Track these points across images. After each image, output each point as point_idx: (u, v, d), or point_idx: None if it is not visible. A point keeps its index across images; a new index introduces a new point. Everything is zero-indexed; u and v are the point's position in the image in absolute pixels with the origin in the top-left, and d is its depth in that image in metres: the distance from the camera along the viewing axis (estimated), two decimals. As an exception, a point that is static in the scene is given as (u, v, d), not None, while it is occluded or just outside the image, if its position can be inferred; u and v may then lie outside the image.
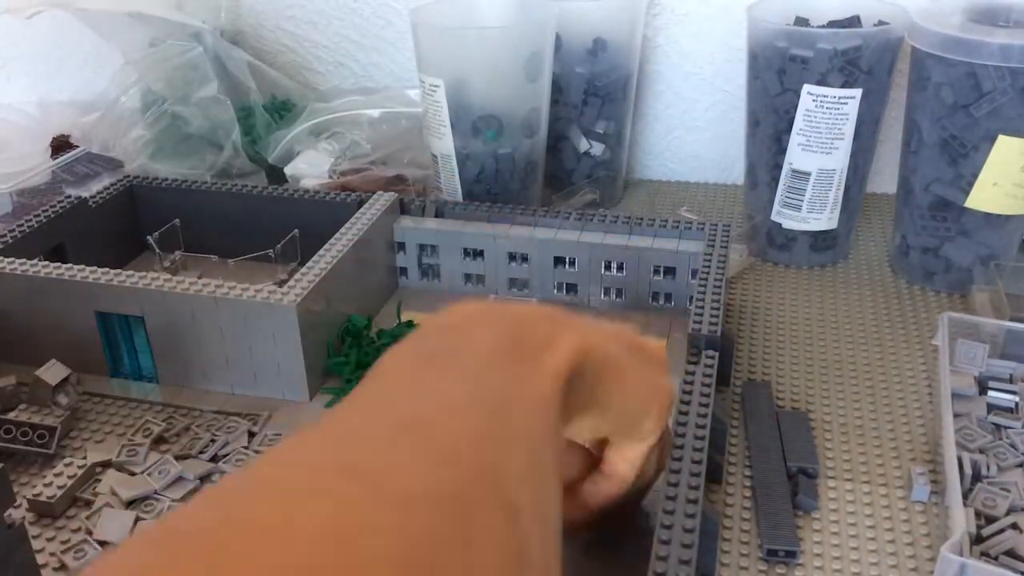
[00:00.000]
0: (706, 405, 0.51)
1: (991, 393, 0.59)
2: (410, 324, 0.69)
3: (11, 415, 0.59)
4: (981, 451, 0.54)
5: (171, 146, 0.92)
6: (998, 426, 0.56)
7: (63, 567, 0.49)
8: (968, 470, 0.51)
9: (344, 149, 0.89)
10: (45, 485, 0.53)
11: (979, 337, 0.61)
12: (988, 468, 0.52)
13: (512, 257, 0.73)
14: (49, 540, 0.51)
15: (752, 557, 0.50)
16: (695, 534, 0.42)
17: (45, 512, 0.53)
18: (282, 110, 0.97)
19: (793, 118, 0.74)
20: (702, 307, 0.59)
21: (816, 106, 0.72)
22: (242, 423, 0.59)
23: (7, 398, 0.61)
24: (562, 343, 0.36)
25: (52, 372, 0.60)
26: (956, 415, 0.56)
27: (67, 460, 0.55)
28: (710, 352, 0.56)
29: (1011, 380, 0.60)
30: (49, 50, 1.04)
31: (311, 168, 0.88)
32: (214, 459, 0.57)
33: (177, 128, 0.91)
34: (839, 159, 0.75)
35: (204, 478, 0.55)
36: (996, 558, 0.47)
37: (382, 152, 0.90)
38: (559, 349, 0.36)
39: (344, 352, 0.64)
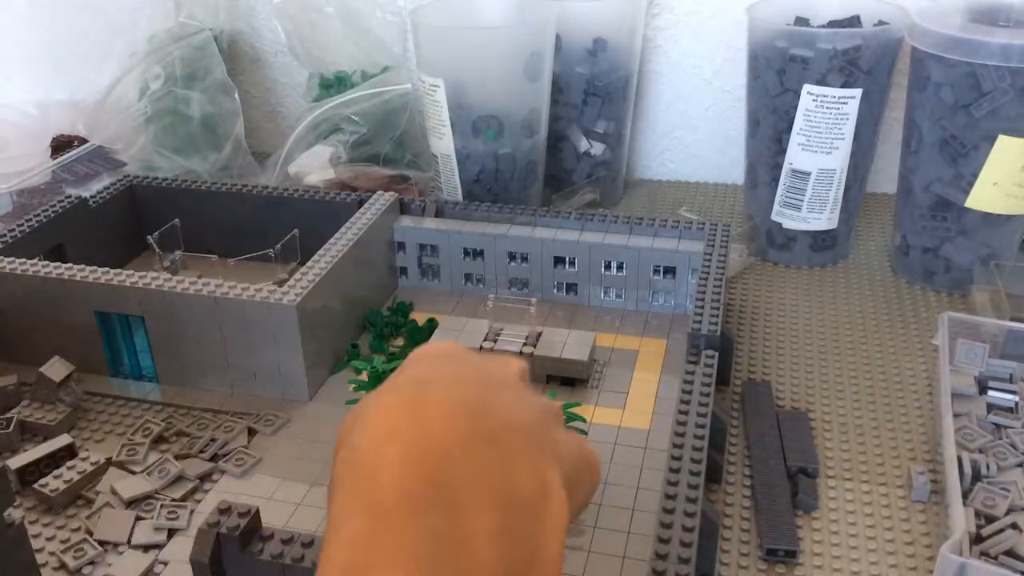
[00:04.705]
0: (706, 405, 0.51)
1: (991, 393, 0.59)
2: (431, 322, 0.69)
3: (14, 411, 0.59)
4: (981, 451, 0.54)
5: (175, 137, 0.92)
6: (998, 426, 0.56)
7: (63, 567, 0.49)
8: (968, 470, 0.51)
9: (344, 141, 0.89)
10: (55, 477, 0.54)
11: (979, 337, 0.61)
12: (988, 468, 0.52)
13: (512, 257, 0.73)
14: (49, 539, 0.51)
15: (752, 557, 0.50)
16: (695, 534, 0.42)
17: (45, 503, 0.53)
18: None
19: (793, 118, 0.74)
20: (702, 307, 0.59)
21: (816, 106, 0.72)
22: (242, 423, 0.59)
23: (9, 397, 0.61)
24: (553, 500, 0.30)
25: (55, 369, 0.60)
26: (956, 415, 0.56)
27: (82, 455, 0.55)
28: (710, 352, 0.56)
29: (1011, 380, 0.60)
30: (49, 50, 1.04)
31: (313, 161, 0.88)
32: (214, 458, 0.57)
33: (181, 115, 0.91)
34: (839, 159, 0.75)
35: (204, 478, 0.55)
36: (996, 558, 0.47)
37: (375, 127, 0.90)
38: (553, 509, 0.30)
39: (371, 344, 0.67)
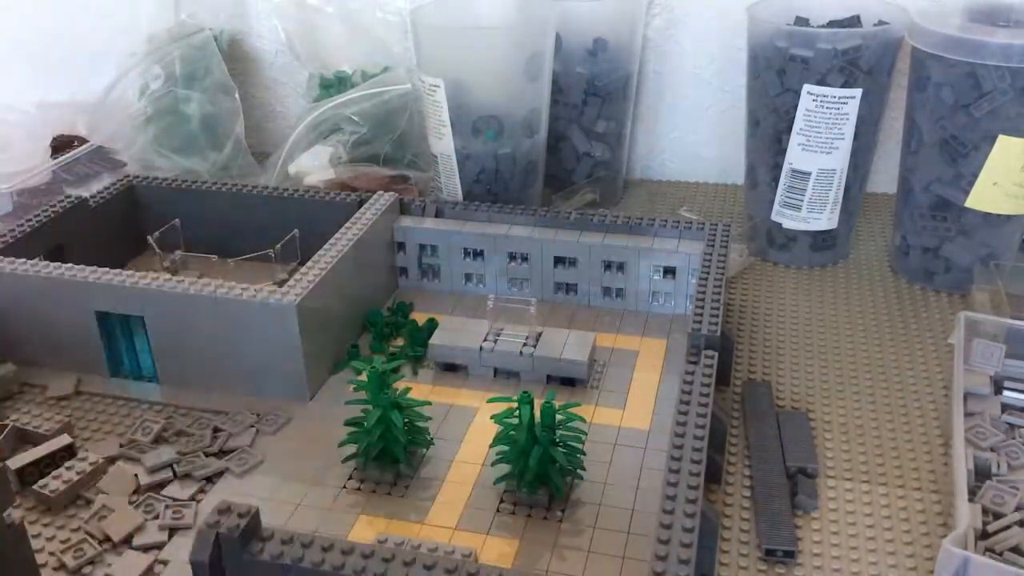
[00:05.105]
0: (706, 405, 0.51)
1: (1006, 393, 0.59)
2: (431, 322, 0.69)
3: (10, 419, 0.59)
4: (992, 449, 0.54)
5: (175, 137, 0.92)
6: (1012, 425, 0.56)
7: (63, 567, 0.49)
8: (970, 465, 0.51)
9: (344, 141, 0.89)
10: (54, 478, 0.54)
11: (991, 336, 0.61)
12: (999, 466, 0.52)
13: (512, 257, 0.73)
14: (49, 540, 0.51)
15: (751, 557, 0.50)
16: (694, 534, 0.42)
17: (44, 503, 0.53)
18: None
19: (793, 118, 0.74)
20: (702, 307, 0.59)
21: (816, 106, 0.72)
22: (242, 422, 0.59)
23: (7, 385, 0.62)
24: None
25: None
26: (969, 413, 0.56)
27: (80, 455, 0.55)
28: (710, 352, 0.56)
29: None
30: (49, 50, 1.04)
31: (313, 161, 0.88)
32: (217, 456, 0.57)
33: (181, 115, 0.91)
34: (839, 159, 0.75)
35: (205, 477, 0.55)
36: (1001, 554, 0.47)
37: (375, 127, 0.90)
38: None
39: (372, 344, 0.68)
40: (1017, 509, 0.49)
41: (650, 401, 0.61)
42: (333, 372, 0.65)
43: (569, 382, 0.63)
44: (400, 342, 0.69)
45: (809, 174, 0.75)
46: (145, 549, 0.50)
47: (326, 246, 0.66)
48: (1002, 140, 0.67)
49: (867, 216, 0.88)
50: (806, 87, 0.72)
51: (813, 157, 0.75)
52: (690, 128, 0.98)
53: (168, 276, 0.62)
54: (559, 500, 0.52)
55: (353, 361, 0.65)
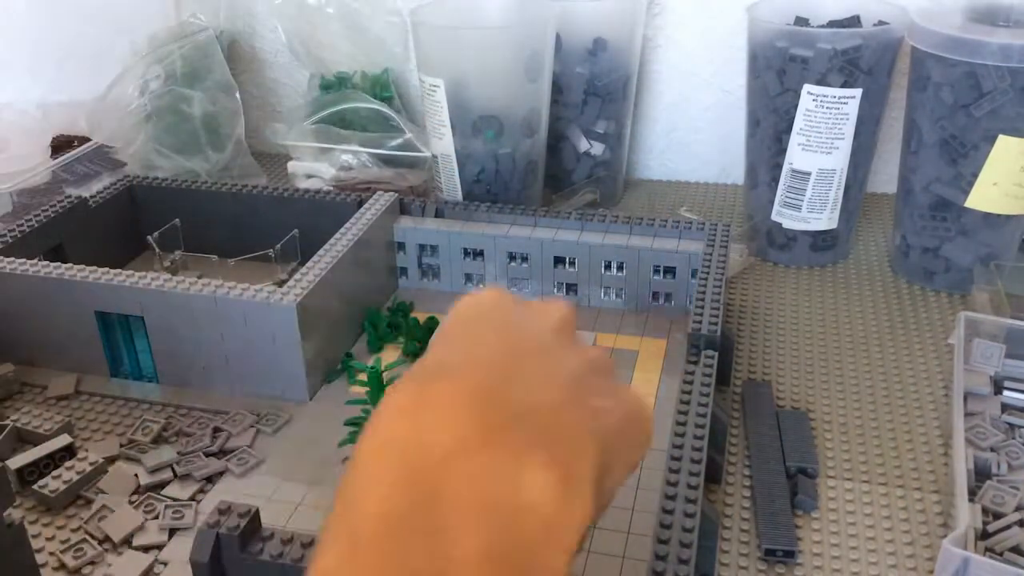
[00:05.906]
0: (706, 405, 0.51)
1: (1006, 393, 0.59)
2: (432, 320, 0.68)
3: (10, 420, 0.59)
4: (993, 449, 0.54)
5: (176, 137, 0.92)
6: (1012, 426, 0.56)
7: (63, 567, 0.49)
8: (970, 465, 0.51)
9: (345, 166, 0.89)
10: (53, 478, 0.54)
11: (991, 336, 0.61)
12: (999, 466, 0.52)
13: (512, 257, 0.73)
14: (49, 539, 0.51)
15: (751, 557, 0.50)
16: (694, 534, 0.42)
17: (44, 503, 0.53)
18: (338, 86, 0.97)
19: (793, 118, 0.74)
20: (702, 307, 0.59)
21: (816, 106, 0.72)
22: (242, 422, 0.59)
23: (7, 385, 0.63)
24: (570, 504, 0.25)
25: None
26: (970, 413, 0.56)
27: (80, 455, 0.55)
28: (710, 352, 0.56)
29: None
30: (49, 50, 1.04)
31: (315, 168, 0.88)
32: (217, 455, 0.57)
33: (182, 114, 0.91)
34: (839, 159, 0.75)
35: (205, 477, 0.55)
36: (1001, 554, 0.47)
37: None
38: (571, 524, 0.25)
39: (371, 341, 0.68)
40: (1017, 509, 0.49)
41: (650, 401, 0.61)
42: (327, 381, 0.64)
43: (569, 382, 0.63)
44: (400, 342, 0.69)
45: (809, 174, 0.75)
46: (145, 549, 0.50)
47: (326, 246, 0.66)
48: (1002, 140, 0.67)
49: (867, 216, 0.88)
50: (806, 87, 0.72)
51: (813, 157, 0.75)
52: (690, 128, 0.98)
53: (168, 276, 0.62)
54: (559, 500, 0.52)
55: (352, 361, 0.65)
